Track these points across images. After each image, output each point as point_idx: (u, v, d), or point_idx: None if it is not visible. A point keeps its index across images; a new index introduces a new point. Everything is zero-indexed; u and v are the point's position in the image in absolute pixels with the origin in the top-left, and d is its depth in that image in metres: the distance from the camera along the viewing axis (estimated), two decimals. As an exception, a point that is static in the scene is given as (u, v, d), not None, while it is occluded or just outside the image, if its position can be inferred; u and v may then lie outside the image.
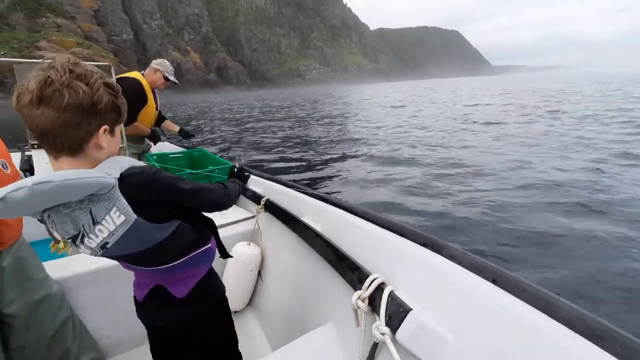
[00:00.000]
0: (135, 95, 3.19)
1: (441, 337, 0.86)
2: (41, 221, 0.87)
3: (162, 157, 3.20)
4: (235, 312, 2.21)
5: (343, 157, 9.52)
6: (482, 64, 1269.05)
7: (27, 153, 4.03)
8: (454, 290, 0.91)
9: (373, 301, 1.04)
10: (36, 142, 4.85)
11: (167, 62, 3.51)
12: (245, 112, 31.26)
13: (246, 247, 2.10)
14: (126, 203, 0.83)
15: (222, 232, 2.13)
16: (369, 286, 1.06)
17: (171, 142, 4.74)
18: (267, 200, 2.10)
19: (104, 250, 0.88)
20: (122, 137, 3.02)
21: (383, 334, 0.93)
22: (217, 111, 36.31)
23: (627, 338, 0.62)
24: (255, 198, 2.27)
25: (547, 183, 6.03)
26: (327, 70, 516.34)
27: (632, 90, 32.23)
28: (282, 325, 1.88)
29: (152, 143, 3.71)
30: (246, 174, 2.61)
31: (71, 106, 0.77)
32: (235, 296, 2.14)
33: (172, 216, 0.96)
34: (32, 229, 1.44)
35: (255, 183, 2.45)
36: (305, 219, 1.71)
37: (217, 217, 2.26)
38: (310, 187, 1.82)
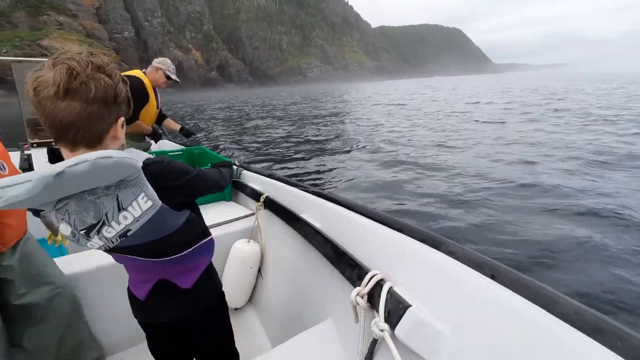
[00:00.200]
0: (137, 94, 3.06)
1: (440, 333, 0.86)
2: (35, 214, 0.83)
3: (162, 154, 3.03)
4: (236, 309, 2.22)
5: (343, 155, 9.50)
6: (483, 62, 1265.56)
7: (26, 152, 3.88)
8: (452, 286, 0.91)
9: (372, 297, 1.05)
10: (35, 141, 4.79)
11: (169, 61, 3.52)
12: (246, 110, 31.18)
13: (246, 244, 2.10)
14: (152, 189, 0.85)
15: (221, 230, 2.22)
16: (367, 282, 1.07)
17: (170, 140, 4.72)
18: (267, 197, 2.10)
19: (123, 239, 0.88)
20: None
21: (382, 330, 0.94)
22: (218, 109, 36.24)
23: (626, 332, 0.62)
24: (255, 195, 2.28)
25: (550, 187, 5.87)
26: (328, 68, 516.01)
27: (634, 88, 32.00)
28: (282, 321, 1.89)
29: (152, 141, 3.72)
30: (237, 166, 2.66)
31: (97, 98, 0.77)
32: (235, 293, 2.15)
33: (182, 205, 0.98)
34: (36, 228, 1.43)
35: (255, 180, 2.45)
36: (305, 216, 1.72)
37: (218, 215, 2.37)
38: (309, 184, 1.82)
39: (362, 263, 1.21)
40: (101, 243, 0.88)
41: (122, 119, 0.87)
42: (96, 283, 1.75)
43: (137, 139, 3.50)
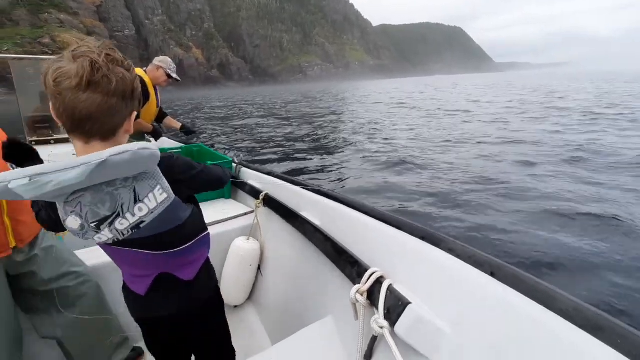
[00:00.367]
0: None
1: (439, 330, 0.86)
2: (34, 206, 0.88)
3: (160, 151, 3.24)
4: (235, 306, 2.22)
5: (342, 154, 9.49)
6: (485, 60, 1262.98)
7: None
8: (452, 283, 0.91)
9: (372, 295, 1.05)
10: (34, 139, 4.73)
11: (170, 60, 3.52)
12: (246, 109, 31.13)
13: (245, 242, 2.10)
14: (167, 182, 0.89)
15: (221, 227, 2.22)
16: (367, 280, 1.07)
17: (169, 138, 4.72)
18: (266, 195, 2.10)
19: (135, 231, 0.89)
20: None
21: (382, 328, 0.94)
22: (218, 107, 36.18)
23: (626, 330, 0.62)
24: (254, 193, 2.27)
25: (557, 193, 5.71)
26: (329, 67, 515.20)
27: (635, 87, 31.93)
28: (281, 319, 1.89)
29: (152, 139, 3.70)
30: (236, 164, 2.67)
31: (117, 92, 0.79)
32: (235, 291, 2.15)
33: (187, 199, 1.01)
34: None
35: (254, 178, 2.44)
36: (304, 214, 1.71)
37: (217, 213, 2.36)
38: (308, 182, 1.83)
39: (361, 260, 1.21)
40: (110, 236, 0.89)
41: (135, 114, 0.90)
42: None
43: (137, 137, 3.48)
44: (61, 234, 1.47)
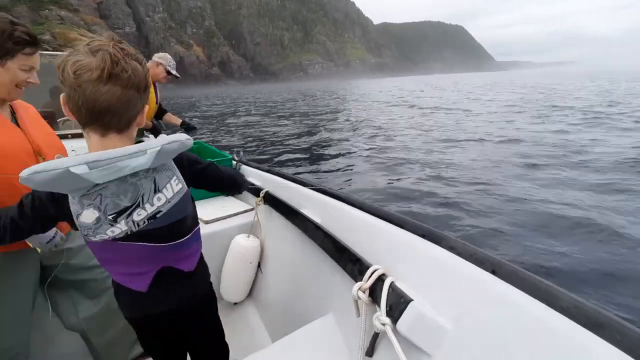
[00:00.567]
0: None
1: (441, 327, 0.87)
2: (48, 201, 0.89)
3: None
4: (235, 303, 2.22)
5: (343, 152, 9.44)
6: (486, 59, 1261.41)
7: None
8: (453, 281, 0.92)
9: (374, 292, 1.05)
10: None
11: (169, 56, 3.52)
12: (247, 107, 31.10)
13: (245, 239, 2.10)
14: (179, 172, 0.96)
15: (221, 225, 2.23)
16: (369, 277, 1.07)
17: (167, 135, 4.82)
18: (266, 192, 2.10)
19: (151, 221, 0.92)
20: None
21: (384, 324, 0.94)
22: (219, 105, 36.15)
23: (625, 327, 0.62)
24: (254, 190, 2.27)
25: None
26: (329, 65, 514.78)
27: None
28: (281, 316, 1.89)
29: (151, 136, 3.61)
30: (236, 161, 2.69)
31: (134, 84, 0.83)
32: (235, 288, 2.16)
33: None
34: None
35: (254, 175, 2.45)
36: (305, 211, 1.72)
37: (217, 210, 2.37)
38: (309, 180, 1.83)
39: (363, 258, 1.21)
40: (124, 228, 0.90)
41: (146, 107, 0.93)
42: None
43: (136, 134, 3.67)
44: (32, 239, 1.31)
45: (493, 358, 0.76)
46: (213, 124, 18.29)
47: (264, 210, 2.15)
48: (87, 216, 0.86)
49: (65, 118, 3.20)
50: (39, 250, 1.34)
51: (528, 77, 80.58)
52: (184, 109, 32.53)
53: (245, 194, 2.52)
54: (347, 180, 6.79)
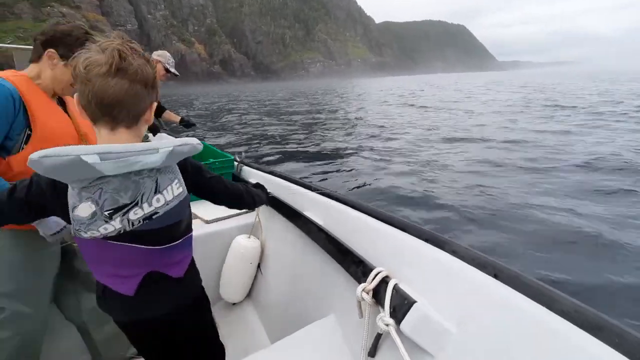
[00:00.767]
0: None
1: (445, 328, 0.88)
2: (46, 195, 0.88)
3: None
4: (234, 304, 2.22)
5: (344, 153, 9.46)
6: (487, 59, 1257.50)
7: None
8: (456, 283, 0.93)
9: (377, 294, 1.07)
10: None
11: (168, 54, 3.48)
12: (247, 106, 31.15)
13: (246, 239, 2.11)
14: (181, 176, 0.96)
15: (222, 225, 2.23)
16: (373, 279, 1.08)
17: (169, 134, 4.54)
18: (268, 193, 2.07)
19: (146, 221, 0.92)
20: None
21: (387, 325, 0.96)
22: (220, 103, 36.20)
23: (624, 330, 0.64)
24: None
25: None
26: (331, 64, 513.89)
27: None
28: (281, 317, 1.89)
29: (150, 134, 3.62)
30: (238, 162, 2.69)
31: (141, 80, 0.87)
32: (234, 288, 2.17)
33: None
34: None
35: (256, 177, 2.45)
36: (307, 213, 1.73)
37: (218, 210, 2.33)
38: (311, 182, 1.84)
39: (367, 260, 1.22)
40: (118, 226, 0.90)
41: (155, 104, 0.96)
42: None
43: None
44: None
45: None
46: (213, 122, 18.35)
47: (265, 211, 2.16)
48: (83, 209, 0.86)
49: None
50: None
51: (532, 77, 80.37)
52: (184, 107, 32.59)
53: None
54: (347, 182, 6.82)
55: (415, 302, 0.95)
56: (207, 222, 2.24)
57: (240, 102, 36.10)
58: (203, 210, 2.36)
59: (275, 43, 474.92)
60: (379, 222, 1.29)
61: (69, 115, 1.46)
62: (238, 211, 2.34)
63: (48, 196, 0.89)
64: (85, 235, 0.89)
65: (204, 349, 1.27)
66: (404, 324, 0.94)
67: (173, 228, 1.01)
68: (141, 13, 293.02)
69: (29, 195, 0.90)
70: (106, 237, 0.92)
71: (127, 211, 0.89)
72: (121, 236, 0.93)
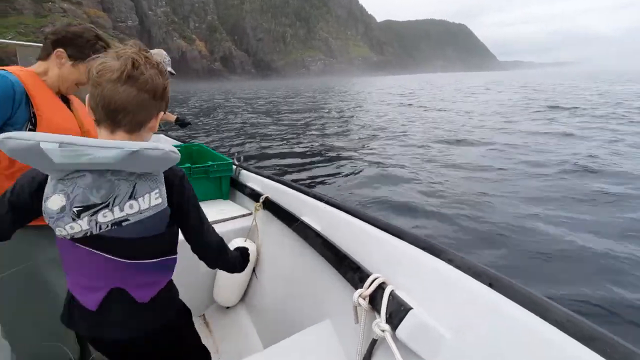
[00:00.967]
0: None
1: (440, 336, 0.89)
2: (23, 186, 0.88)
3: None
4: (228, 307, 2.23)
5: (343, 156, 9.42)
6: (489, 58, 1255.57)
7: None
8: (452, 292, 0.94)
9: (374, 300, 1.07)
10: None
11: (164, 53, 3.49)
12: (247, 105, 31.12)
13: (242, 243, 2.09)
14: (165, 189, 0.92)
15: (218, 228, 2.15)
16: (370, 285, 1.09)
17: (167, 135, 4.63)
18: (266, 198, 2.11)
19: (114, 227, 0.88)
20: None
21: (383, 331, 0.97)
22: (220, 102, 36.16)
23: (614, 340, 0.65)
24: (253, 195, 2.29)
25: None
26: (332, 62, 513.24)
27: None
28: (275, 322, 1.89)
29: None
30: (236, 166, 2.70)
31: (150, 89, 0.88)
32: (228, 292, 2.17)
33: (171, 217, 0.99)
34: None
35: (254, 180, 2.45)
36: (305, 218, 1.73)
37: (215, 213, 2.36)
38: (309, 187, 1.79)
39: (363, 266, 1.23)
40: (85, 227, 0.87)
41: (162, 113, 0.96)
42: None
43: None
44: None
45: None
46: (213, 123, 18.32)
47: (262, 215, 2.16)
48: (54, 202, 0.85)
49: None
50: None
51: (533, 77, 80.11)
52: (184, 104, 32.57)
53: (244, 198, 2.50)
54: (343, 186, 6.82)
55: (411, 308, 0.96)
56: None
57: (238, 100, 36.06)
58: None
59: (276, 41, 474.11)
60: (376, 229, 1.30)
61: (72, 113, 1.48)
62: (235, 214, 2.35)
63: (27, 193, 0.88)
64: (57, 233, 0.89)
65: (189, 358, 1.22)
66: (400, 330, 0.95)
67: (146, 243, 0.96)
68: (142, 9, 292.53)
69: (13, 195, 0.90)
70: (74, 239, 0.90)
71: (97, 212, 0.86)
72: (88, 240, 0.90)
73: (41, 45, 1.34)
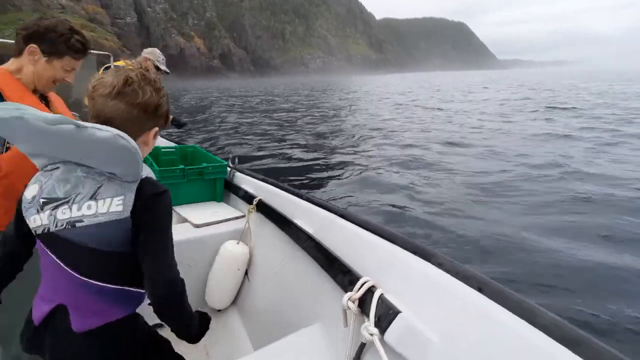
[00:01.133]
0: None
1: (428, 339, 0.89)
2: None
3: (155, 150, 3.12)
4: (219, 310, 2.21)
5: (339, 158, 9.36)
6: (488, 57, 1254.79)
7: None
8: (441, 296, 0.94)
9: (363, 303, 1.07)
10: None
11: (158, 51, 3.45)
12: (246, 104, 31.03)
13: (235, 245, 2.10)
14: (133, 200, 0.87)
15: (211, 230, 2.21)
16: (359, 288, 1.09)
17: (161, 136, 4.51)
18: (259, 200, 2.11)
19: (69, 227, 0.85)
20: None
21: (372, 335, 0.96)
22: (218, 100, 36.06)
23: (599, 345, 0.66)
24: (247, 198, 2.29)
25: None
26: (331, 60, 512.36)
27: None
28: (266, 325, 1.88)
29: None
30: (230, 168, 2.69)
31: (141, 105, 0.90)
32: (219, 294, 2.15)
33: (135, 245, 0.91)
34: None
35: (247, 183, 2.45)
36: (297, 221, 1.72)
37: (208, 215, 2.35)
38: (303, 189, 1.78)
39: (354, 269, 1.23)
40: (45, 222, 0.86)
41: (156, 129, 0.98)
42: None
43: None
44: None
45: None
46: (209, 123, 18.21)
47: (255, 218, 2.15)
48: (30, 190, 0.88)
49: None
50: None
51: (531, 76, 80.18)
52: (181, 101, 32.48)
53: (237, 200, 2.51)
54: (338, 188, 6.78)
55: (400, 312, 0.96)
56: (196, 226, 2.22)
57: (236, 99, 35.96)
58: (192, 213, 2.36)
59: (275, 38, 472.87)
60: (368, 232, 1.30)
61: (51, 112, 1.37)
62: (229, 216, 2.33)
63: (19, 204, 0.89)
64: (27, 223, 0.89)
65: None
66: (388, 334, 0.95)
67: (101, 260, 0.88)
68: (141, 6, 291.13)
69: (16, 222, 0.93)
70: (37, 234, 0.89)
71: (57, 207, 0.85)
72: (46, 238, 0.88)
73: None
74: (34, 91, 1.37)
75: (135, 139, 0.88)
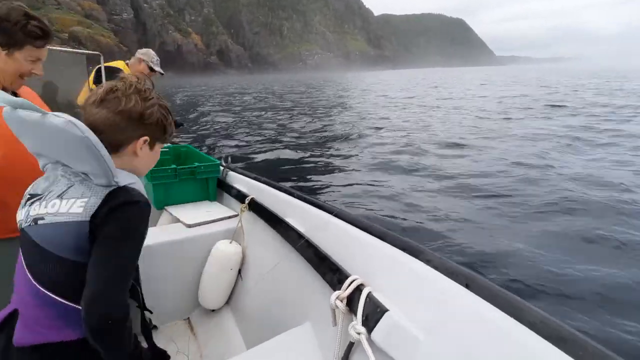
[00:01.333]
0: None
1: (414, 337, 0.88)
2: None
3: None
4: (212, 310, 2.21)
5: (334, 157, 9.32)
6: (486, 54, 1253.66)
7: None
8: (429, 293, 0.94)
9: (351, 301, 1.07)
10: None
11: (152, 52, 3.44)
12: (244, 102, 30.91)
13: (227, 245, 2.09)
14: (98, 204, 0.82)
15: (204, 229, 2.20)
16: (347, 287, 1.08)
17: None
18: (252, 199, 2.10)
19: (33, 224, 0.84)
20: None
21: (359, 334, 0.96)
22: (215, 99, 35.93)
23: (586, 342, 0.67)
24: (240, 197, 2.28)
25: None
26: (329, 56, 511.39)
27: None
28: (259, 324, 1.88)
29: None
30: (223, 167, 2.68)
31: (124, 112, 0.90)
32: (213, 294, 2.14)
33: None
34: None
35: (240, 182, 2.44)
36: (289, 220, 1.72)
37: (201, 214, 2.34)
38: (295, 187, 1.78)
39: (342, 267, 1.23)
40: (21, 217, 0.88)
41: (145, 139, 0.94)
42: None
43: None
44: None
45: None
46: (205, 122, 18.12)
47: (248, 217, 2.14)
48: (30, 187, 0.92)
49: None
50: None
51: (529, 72, 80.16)
52: (183, 103, 32.28)
53: (230, 199, 2.49)
54: (331, 187, 6.73)
55: (387, 310, 0.96)
56: (189, 225, 2.21)
57: (231, 97, 35.75)
58: (185, 213, 2.36)
59: (272, 34, 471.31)
60: (359, 230, 1.30)
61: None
62: (222, 215, 2.32)
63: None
64: None
65: None
66: (375, 333, 0.95)
67: (49, 261, 0.82)
68: (137, 2, 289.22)
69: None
70: (17, 230, 0.90)
71: (33, 202, 0.86)
72: (21, 234, 0.88)
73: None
74: (4, 89, 1.24)
75: (122, 148, 0.92)
